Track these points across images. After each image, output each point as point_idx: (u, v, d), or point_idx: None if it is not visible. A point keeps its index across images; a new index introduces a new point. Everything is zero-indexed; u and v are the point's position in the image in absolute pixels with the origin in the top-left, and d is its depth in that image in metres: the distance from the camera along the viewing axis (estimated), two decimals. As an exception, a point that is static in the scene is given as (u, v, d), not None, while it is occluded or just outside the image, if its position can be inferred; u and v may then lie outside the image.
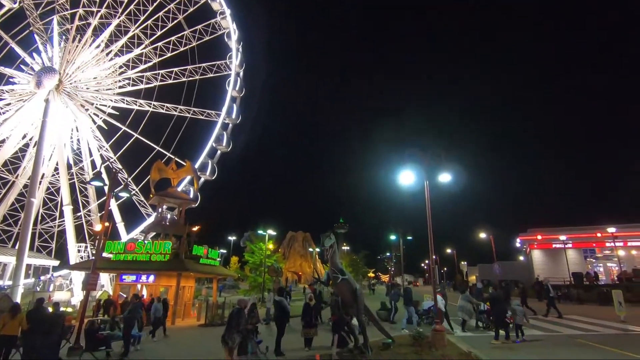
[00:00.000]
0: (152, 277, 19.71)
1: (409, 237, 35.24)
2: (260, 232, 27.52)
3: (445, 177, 11.65)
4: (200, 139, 31.43)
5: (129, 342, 10.06)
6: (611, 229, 33.91)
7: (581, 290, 27.15)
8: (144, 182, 32.34)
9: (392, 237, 35.89)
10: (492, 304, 11.86)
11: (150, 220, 29.84)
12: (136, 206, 32.58)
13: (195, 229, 22.91)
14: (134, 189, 31.82)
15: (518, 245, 45.97)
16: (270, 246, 29.45)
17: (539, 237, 39.94)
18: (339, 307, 9.28)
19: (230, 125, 31.78)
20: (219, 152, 30.94)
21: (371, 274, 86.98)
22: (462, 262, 75.26)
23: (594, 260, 39.48)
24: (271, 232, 27.76)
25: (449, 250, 73.25)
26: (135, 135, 33.52)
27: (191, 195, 26.72)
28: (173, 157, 30.67)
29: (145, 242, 21.28)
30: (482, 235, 53.80)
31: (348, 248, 64.28)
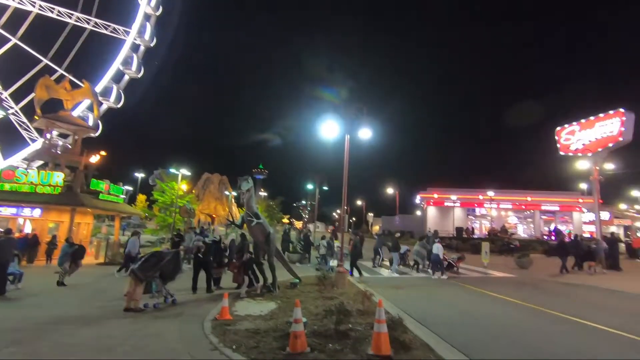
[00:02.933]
0: (38, 211, 17.34)
1: (325, 187, 36.81)
2: (172, 170, 25.77)
3: (365, 133, 12.13)
4: (105, 59, 26.89)
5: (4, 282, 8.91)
6: (490, 193, 40.33)
7: (460, 241, 32.35)
8: (27, 100, 27.05)
9: (309, 186, 37.12)
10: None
11: (35, 146, 25.56)
12: (16, 128, 27.43)
13: (93, 160, 20.41)
14: (11, 107, 26.48)
15: (418, 201, 51.74)
16: (184, 186, 28.02)
17: (435, 195, 45.41)
18: (246, 249, 9.48)
19: (142, 47, 27.65)
20: (126, 77, 27.06)
21: (286, 220, 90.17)
22: (369, 214, 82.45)
23: (473, 218, 46.78)
24: (185, 171, 26.20)
25: (359, 202, 79.02)
26: (13, 39, 27.15)
27: (90, 123, 23.35)
28: (67, 74, 25.93)
29: (29, 171, 18.31)
30: (390, 190, 58.99)
31: (265, 194, 64.84)
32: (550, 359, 5.20)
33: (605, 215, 41.12)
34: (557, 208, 44.66)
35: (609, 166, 26.13)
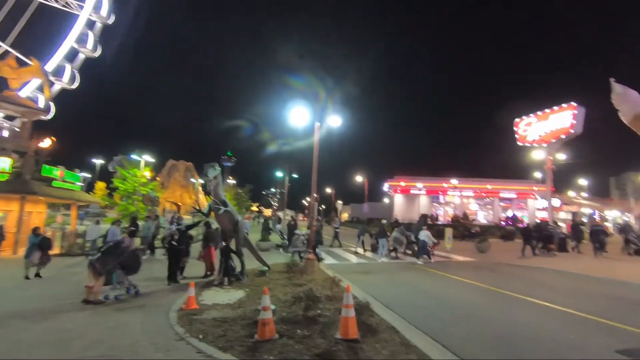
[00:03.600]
0: (-18, 200, 15.97)
1: (295, 175, 36.67)
2: (134, 157, 24.56)
3: (335, 121, 12.14)
4: (57, 36, 24.73)
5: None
6: (454, 181, 42.02)
7: (425, 228, 33.54)
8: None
9: (279, 174, 36.80)
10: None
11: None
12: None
13: (44, 145, 19.02)
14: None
15: (385, 189, 52.90)
16: (147, 173, 26.86)
17: (402, 183, 46.59)
18: (212, 238, 9.28)
19: (99, 24, 25.75)
20: (81, 55, 25.17)
21: (255, 208, 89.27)
22: (339, 201, 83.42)
23: (437, 205, 48.56)
24: (148, 158, 25.08)
25: (328, 190, 79.64)
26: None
27: (40, 104, 21.61)
28: (12, 50, 23.71)
29: (-30, 156, 16.75)
30: (359, 178, 59.84)
31: (234, 182, 63.66)
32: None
33: (556, 202, 44.21)
34: (514, 195, 47.32)
35: (561, 156, 27.94)
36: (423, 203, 46.14)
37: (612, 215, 54.44)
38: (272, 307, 5.48)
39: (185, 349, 4.66)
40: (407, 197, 46.69)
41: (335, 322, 5.41)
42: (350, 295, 5.14)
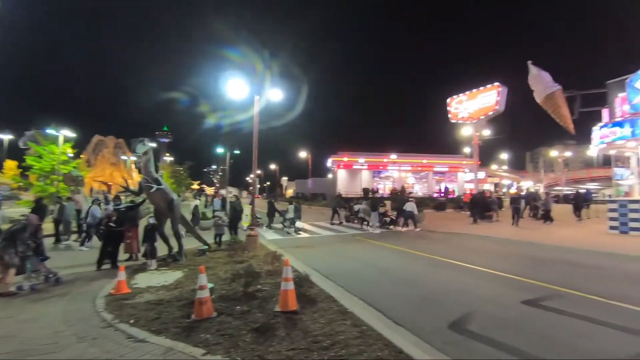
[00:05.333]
0: None
1: (237, 151, 35.55)
2: (50, 131, 21.76)
3: (276, 95, 11.81)
4: None
5: None
6: (393, 156, 44.04)
7: (364, 200, 35.00)
8: None
9: (220, 150, 35.38)
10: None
11: None
12: None
13: None
14: None
15: (329, 165, 53.77)
16: (69, 150, 24.09)
17: (345, 158, 47.69)
18: (139, 217, 8.68)
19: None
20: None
21: (196, 186, 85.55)
22: (283, 178, 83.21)
23: (378, 179, 50.73)
24: (68, 133, 22.46)
25: (272, 166, 78.88)
26: None
27: None
28: None
29: None
30: (303, 154, 59.95)
31: (172, 158, 60.01)
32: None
33: (481, 174, 48.60)
34: (446, 169, 51.05)
35: (486, 132, 30.54)
36: (365, 177, 47.80)
37: (526, 186, 61.43)
38: (210, 285, 5.36)
39: (114, 336, 4.38)
40: (349, 172, 47.97)
41: (275, 296, 5.46)
42: (290, 269, 5.19)
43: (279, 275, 6.33)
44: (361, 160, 46.89)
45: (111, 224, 8.66)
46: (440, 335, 4.34)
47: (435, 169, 50.77)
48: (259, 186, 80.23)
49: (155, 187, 8.52)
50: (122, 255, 9.04)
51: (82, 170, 27.61)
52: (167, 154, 71.16)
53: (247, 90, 10.94)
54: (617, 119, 14.96)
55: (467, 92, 27.88)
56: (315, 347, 3.87)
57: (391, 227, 16.90)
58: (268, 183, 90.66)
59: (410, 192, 41.87)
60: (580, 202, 19.26)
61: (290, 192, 72.92)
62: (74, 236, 12.54)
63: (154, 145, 11.00)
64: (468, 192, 37.84)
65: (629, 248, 10.14)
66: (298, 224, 15.81)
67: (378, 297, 5.88)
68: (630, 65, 14.18)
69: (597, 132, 14.73)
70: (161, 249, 9.07)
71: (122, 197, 17.10)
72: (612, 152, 16.54)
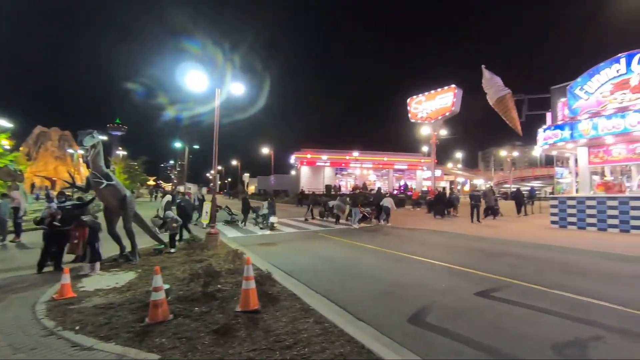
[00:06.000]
0: None
1: (196, 146, 34.32)
2: (-18, 121, 19.66)
3: (237, 89, 11.49)
4: None
5: None
6: (355, 154, 44.74)
7: (327, 197, 35.32)
8: None
9: (178, 144, 33.94)
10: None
11: None
12: None
13: None
14: None
15: (292, 161, 53.54)
16: (5, 142, 21.94)
17: (308, 155, 47.76)
18: (73, 218, 7.97)
19: None
20: None
21: (152, 182, 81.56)
22: (245, 174, 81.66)
23: (340, 176, 51.38)
24: (4, 122, 20.45)
25: (234, 162, 77.16)
26: None
27: None
28: None
29: None
30: (265, 150, 59.17)
31: (125, 153, 56.64)
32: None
33: (438, 172, 50.82)
34: (405, 167, 52.80)
35: (443, 132, 31.94)
36: (328, 174, 48.17)
37: (479, 183, 65.16)
38: (166, 286, 5.09)
39: (57, 344, 4.02)
40: (312, 169, 48.11)
41: (235, 295, 5.32)
42: (251, 267, 5.07)
43: (240, 274, 6.16)
44: (324, 157, 47.18)
45: (55, 222, 7.94)
46: (400, 329, 4.45)
47: (395, 167, 52.28)
48: (219, 182, 78.07)
49: (105, 182, 7.94)
50: (67, 257, 8.35)
51: (21, 164, 25.29)
52: (120, 148, 66.99)
53: (207, 82, 10.53)
54: (558, 122, 16.24)
55: (426, 93, 28.93)
56: (278, 346, 3.81)
57: (363, 222, 17.29)
58: (229, 179, 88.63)
59: (372, 189, 42.86)
60: (520, 200, 20.84)
61: (252, 189, 71.76)
62: (10, 236, 11.44)
63: (104, 138, 10.29)
64: (425, 188, 39.37)
65: (568, 241, 11.08)
66: (273, 218, 15.65)
67: (340, 294, 5.93)
68: (573, 72, 15.47)
69: (541, 134, 15.88)
70: (113, 249, 8.54)
71: (67, 193, 15.84)
72: (554, 152, 17.91)
